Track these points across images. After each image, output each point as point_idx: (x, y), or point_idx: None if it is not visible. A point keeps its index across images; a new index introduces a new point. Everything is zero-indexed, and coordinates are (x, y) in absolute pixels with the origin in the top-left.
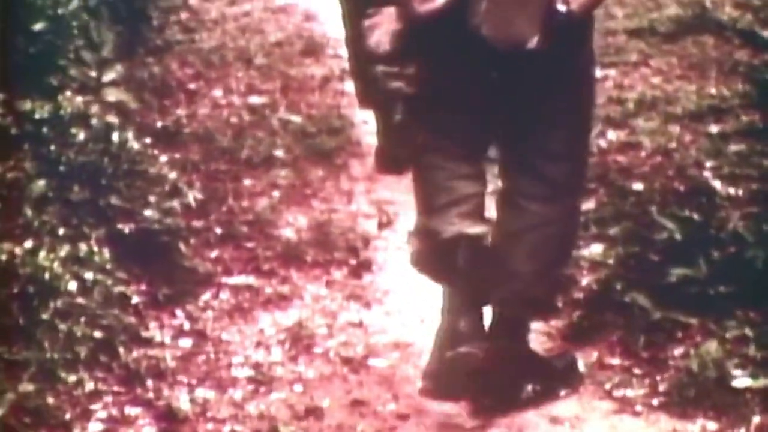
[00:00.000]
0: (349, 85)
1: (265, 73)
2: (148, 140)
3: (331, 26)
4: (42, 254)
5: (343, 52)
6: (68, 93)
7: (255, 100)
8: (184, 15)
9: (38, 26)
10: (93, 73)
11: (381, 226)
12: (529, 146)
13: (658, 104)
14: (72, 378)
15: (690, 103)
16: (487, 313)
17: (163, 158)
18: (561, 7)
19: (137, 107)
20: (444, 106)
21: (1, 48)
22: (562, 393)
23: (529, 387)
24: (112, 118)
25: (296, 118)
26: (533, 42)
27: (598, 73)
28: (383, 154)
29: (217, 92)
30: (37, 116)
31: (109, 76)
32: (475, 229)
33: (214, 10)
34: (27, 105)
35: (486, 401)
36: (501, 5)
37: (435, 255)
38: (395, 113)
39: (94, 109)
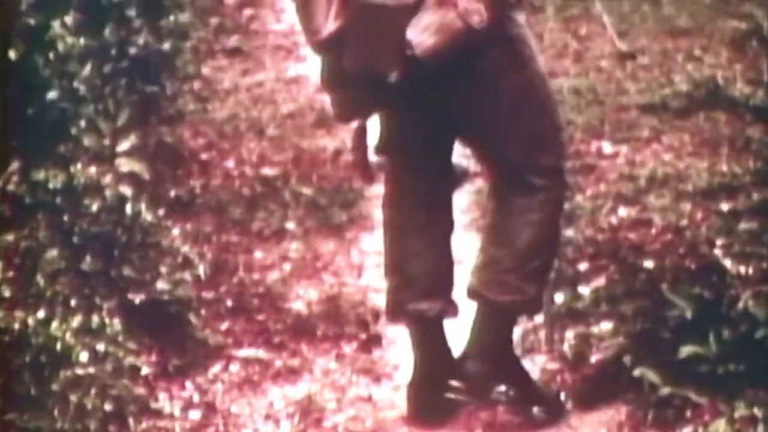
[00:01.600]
0: None
1: (277, 145)
2: (161, 212)
3: None
4: (54, 324)
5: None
6: (82, 162)
7: (267, 171)
8: (197, 84)
9: (51, 95)
10: (107, 142)
11: None
12: (497, 149)
13: (670, 181)
14: None
15: (701, 181)
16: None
17: (176, 231)
18: (408, 51)
19: (150, 177)
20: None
21: (15, 116)
22: (537, 413)
23: (502, 388)
24: (126, 189)
25: (308, 191)
26: (392, 77)
27: (610, 148)
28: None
29: (230, 163)
30: (50, 186)
31: (123, 146)
32: (427, 307)
33: (227, 80)
34: (41, 174)
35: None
36: (358, 42)
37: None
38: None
39: (108, 179)
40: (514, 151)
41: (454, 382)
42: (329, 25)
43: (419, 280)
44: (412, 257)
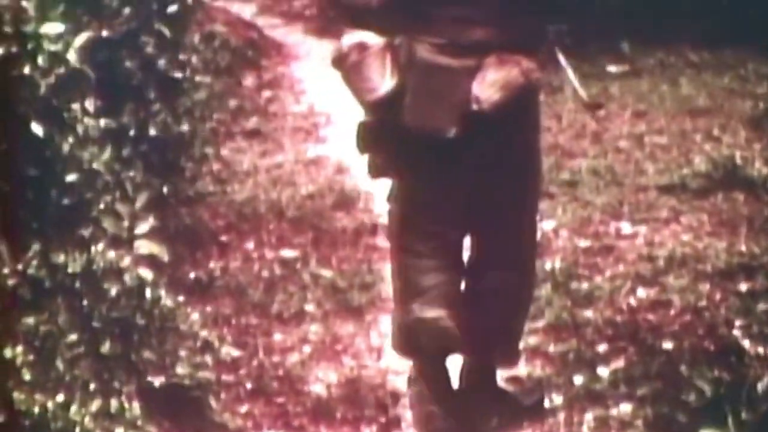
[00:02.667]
0: (381, 239)
1: (296, 226)
2: (180, 298)
3: (363, 179)
4: (73, 408)
5: (375, 206)
6: (101, 245)
7: (286, 253)
8: (216, 166)
9: (71, 177)
10: (126, 224)
11: (411, 383)
12: (487, 224)
13: (689, 262)
14: None
15: (720, 261)
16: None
17: (195, 315)
18: (474, 106)
19: (169, 259)
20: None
21: (35, 199)
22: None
23: (495, 420)
24: (145, 272)
25: (327, 273)
26: (451, 132)
27: (629, 229)
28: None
29: (249, 245)
30: (70, 269)
31: (142, 229)
32: (431, 313)
33: (246, 162)
34: (60, 258)
35: None
36: (421, 100)
37: (402, 338)
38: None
39: (127, 261)
40: (499, 235)
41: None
42: (386, 83)
43: (429, 290)
44: (423, 273)
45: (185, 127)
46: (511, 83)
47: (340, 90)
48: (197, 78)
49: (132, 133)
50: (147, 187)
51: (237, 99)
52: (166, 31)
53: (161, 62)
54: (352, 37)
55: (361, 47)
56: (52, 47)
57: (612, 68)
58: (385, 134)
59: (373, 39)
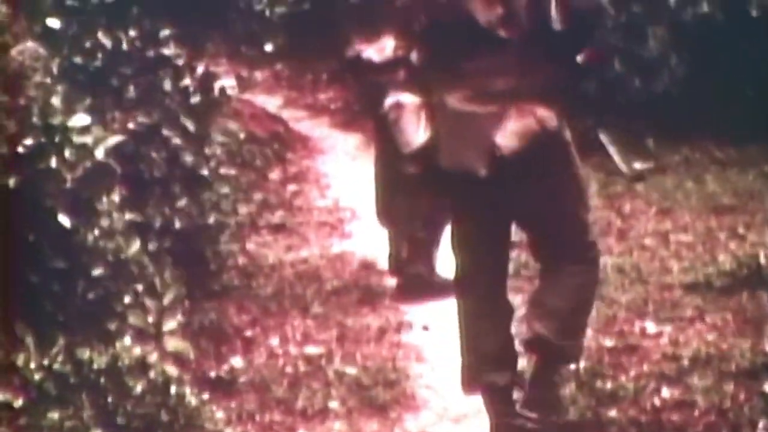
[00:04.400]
0: (406, 337)
1: (321, 323)
2: (205, 396)
3: (389, 276)
4: None
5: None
6: (126, 340)
7: (311, 350)
8: (241, 260)
9: (97, 272)
10: (152, 319)
11: None
12: (544, 236)
13: (713, 361)
14: None
15: (745, 360)
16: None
17: (219, 414)
18: (497, 152)
19: (194, 355)
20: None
21: (61, 292)
22: None
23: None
24: (170, 368)
25: (351, 370)
26: (482, 172)
27: (654, 328)
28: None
29: (274, 340)
30: (95, 366)
31: (169, 326)
32: (498, 378)
33: (271, 256)
34: (86, 353)
35: None
36: (453, 145)
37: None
38: (417, 230)
39: (153, 358)
40: (566, 233)
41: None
42: (421, 135)
43: (490, 356)
44: (483, 338)
45: (211, 221)
46: (528, 133)
47: (366, 185)
48: (222, 171)
49: (157, 226)
50: (173, 281)
51: (262, 192)
52: (191, 126)
53: (186, 155)
54: (391, 97)
55: (399, 106)
56: (79, 140)
57: (637, 165)
58: (429, 180)
59: (408, 98)
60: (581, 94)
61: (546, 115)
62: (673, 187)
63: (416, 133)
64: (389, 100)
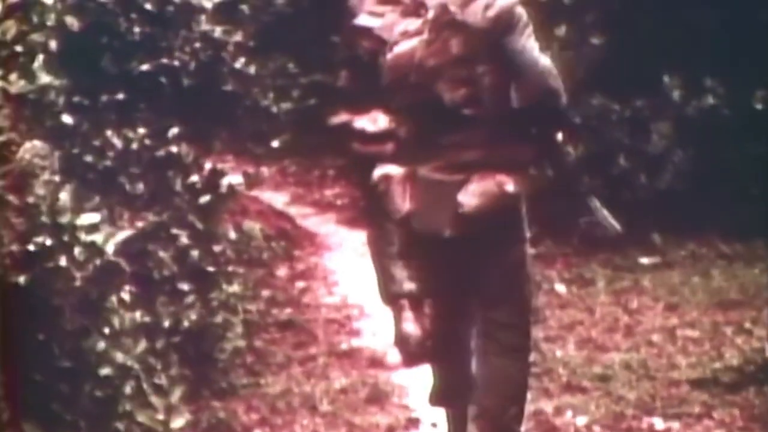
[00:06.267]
0: None
1: (330, 421)
2: None
3: (397, 374)
4: None
5: (409, 401)
6: None
7: None
8: (249, 358)
9: (105, 371)
10: (160, 417)
11: None
12: (488, 317)
13: None
14: None
15: None
16: None
17: None
18: (459, 210)
19: None
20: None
21: (69, 391)
22: None
23: None
24: None
25: None
26: (447, 232)
27: (662, 425)
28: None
29: None
30: None
31: (177, 423)
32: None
33: (279, 354)
34: None
35: None
36: (423, 208)
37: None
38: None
39: None
40: (504, 312)
41: None
42: (406, 204)
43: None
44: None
45: (218, 319)
46: (487, 192)
47: (373, 282)
48: (230, 268)
49: (165, 324)
50: (182, 379)
51: (270, 290)
52: (199, 224)
53: (194, 253)
54: (380, 169)
55: (387, 178)
56: (88, 238)
57: (644, 260)
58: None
59: (394, 170)
60: (587, 190)
61: (505, 179)
62: (679, 282)
63: (403, 203)
64: (377, 172)
